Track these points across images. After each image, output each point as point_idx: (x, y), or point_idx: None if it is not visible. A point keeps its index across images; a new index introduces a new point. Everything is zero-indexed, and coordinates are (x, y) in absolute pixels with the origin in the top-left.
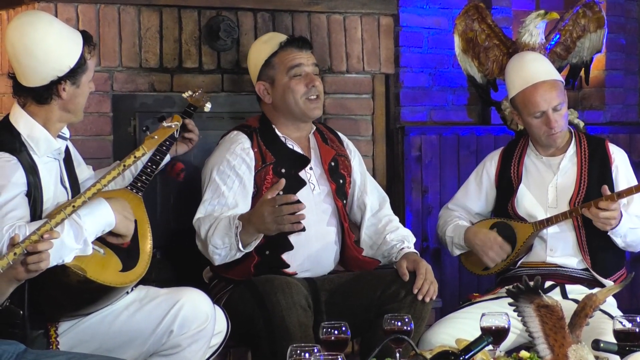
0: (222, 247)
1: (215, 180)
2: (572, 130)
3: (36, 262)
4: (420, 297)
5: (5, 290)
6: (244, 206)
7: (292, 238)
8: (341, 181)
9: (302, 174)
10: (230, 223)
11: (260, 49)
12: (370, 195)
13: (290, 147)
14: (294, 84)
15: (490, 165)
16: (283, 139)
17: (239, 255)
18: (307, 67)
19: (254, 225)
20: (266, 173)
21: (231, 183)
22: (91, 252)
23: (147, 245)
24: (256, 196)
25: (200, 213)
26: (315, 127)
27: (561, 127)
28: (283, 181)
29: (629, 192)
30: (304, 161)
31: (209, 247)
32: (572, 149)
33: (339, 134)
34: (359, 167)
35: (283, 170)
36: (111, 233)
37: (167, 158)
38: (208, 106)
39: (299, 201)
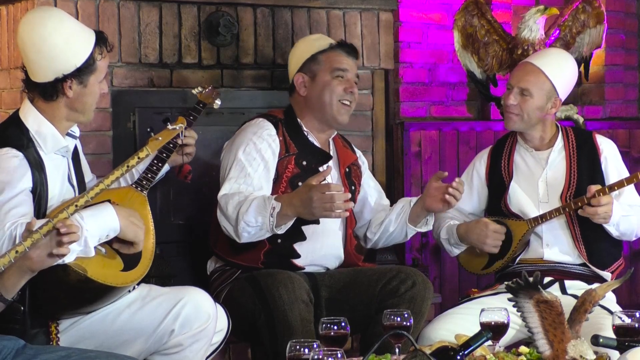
0: (254, 225)
1: (241, 160)
2: (559, 125)
3: (64, 244)
4: (451, 190)
5: (17, 282)
6: (267, 190)
7: (306, 229)
8: (353, 187)
9: (321, 169)
10: (266, 203)
11: (310, 44)
12: (385, 197)
13: (312, 142)
14: (335, 83)
15: (479, 164)
16: (306, 133)
17: (267, 235)
18: (350, 74)
19: (295, 208)
20: (288, 162)
21: (256, 166)
22: (93, 254)
23: (149, 244)
24: (276, 183)
25: (225, 189)
26: (335, 133)
27: (516, 110)
28: (330, 169)
29: (620, 184)
30: (325, 157)
31: (240, 223)
32: (559, 142)
33: (352, 144)
34: (370, 178)
35: (304, 163)
36: (121, 241)
37: (167, 167)
38: (218, 103)
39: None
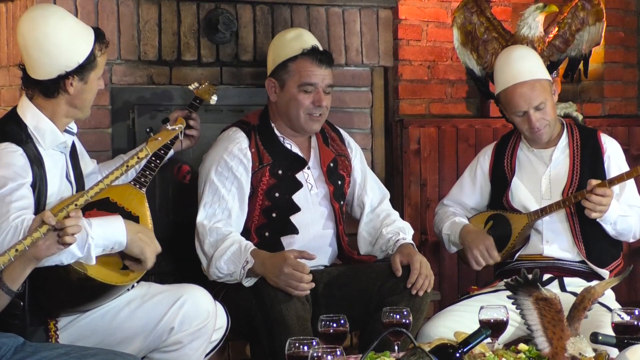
0: (225, 273)
1: (214, 182)
2: (564, 122)
3: (68, 235)
4: (414, 292)
5: (22, 272)
6: (242, 211)
7: (290, 239)
8: (339, 182)
9: (299, 175)
10: (241, 253)
11: (283, 46)
12: (370, 193)
13: (288, 147)
14: (301, 97)
15: (483, 160)
16: (281, 139)
17: (234, 282)
18: (320, 86)
19: (264, 269)
20: (262, 174)
21: (229, 185)
22: (94, 263)
23: None
24: (252, 197)
25: (201, 216)
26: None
27: (544, 124)
28: (315, 257)
29: (620, 178)
30: (301, 163)
31: (211, 266)
32: (564, 140)
33: (341, 131)
34: (360, 165)
35: (280, 172)
36: (131, 258)
37: (171, 152)
38: (214, 99)
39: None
